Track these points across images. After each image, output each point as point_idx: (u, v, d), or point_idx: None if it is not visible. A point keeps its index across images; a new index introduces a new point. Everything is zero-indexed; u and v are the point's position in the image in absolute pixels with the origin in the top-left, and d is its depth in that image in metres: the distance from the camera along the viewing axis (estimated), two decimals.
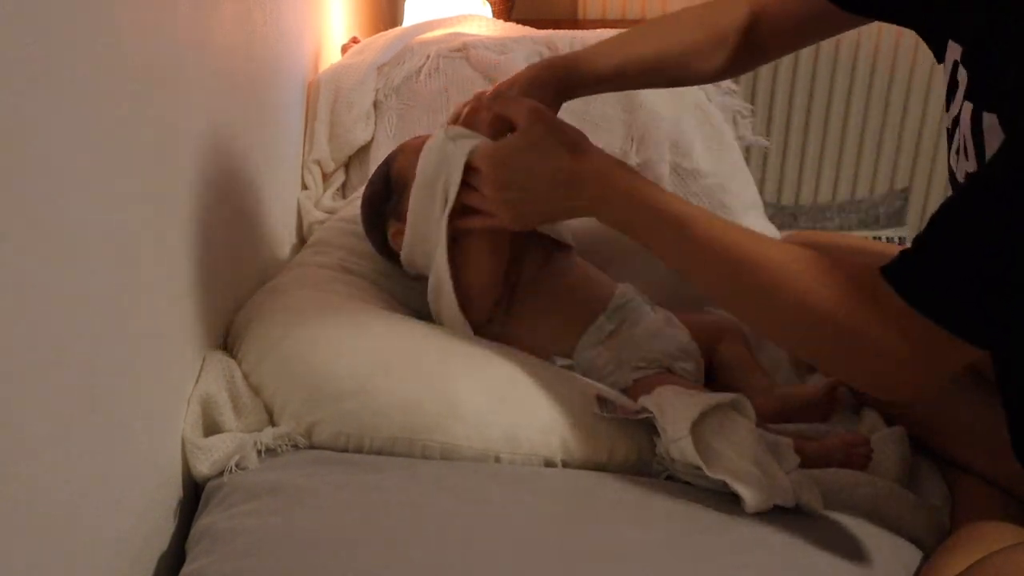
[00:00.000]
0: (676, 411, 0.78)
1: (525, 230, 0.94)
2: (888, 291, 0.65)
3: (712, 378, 0.99)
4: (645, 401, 0.82)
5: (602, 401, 0.82)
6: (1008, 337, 0.64)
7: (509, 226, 0.90)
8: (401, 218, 0.99)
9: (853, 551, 0.72)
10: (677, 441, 0.76)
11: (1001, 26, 0.67)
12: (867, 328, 0.66)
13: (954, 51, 0.74)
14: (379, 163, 1.09)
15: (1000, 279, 0.61)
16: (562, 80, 0.96)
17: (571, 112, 1.36)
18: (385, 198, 1.02)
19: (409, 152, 1.01)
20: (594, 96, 1.38)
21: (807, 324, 0.69)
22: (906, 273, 0.65)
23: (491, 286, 0.95)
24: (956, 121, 0.73)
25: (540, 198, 0.85)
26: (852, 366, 0.71)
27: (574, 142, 0.84)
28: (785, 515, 0.74)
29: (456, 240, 0.93)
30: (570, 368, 0.94)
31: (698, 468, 0.75)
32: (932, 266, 0.65)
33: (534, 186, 0.85)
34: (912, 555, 0.75)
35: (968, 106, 0.70)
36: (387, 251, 1.04)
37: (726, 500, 0.74)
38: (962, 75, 0.72)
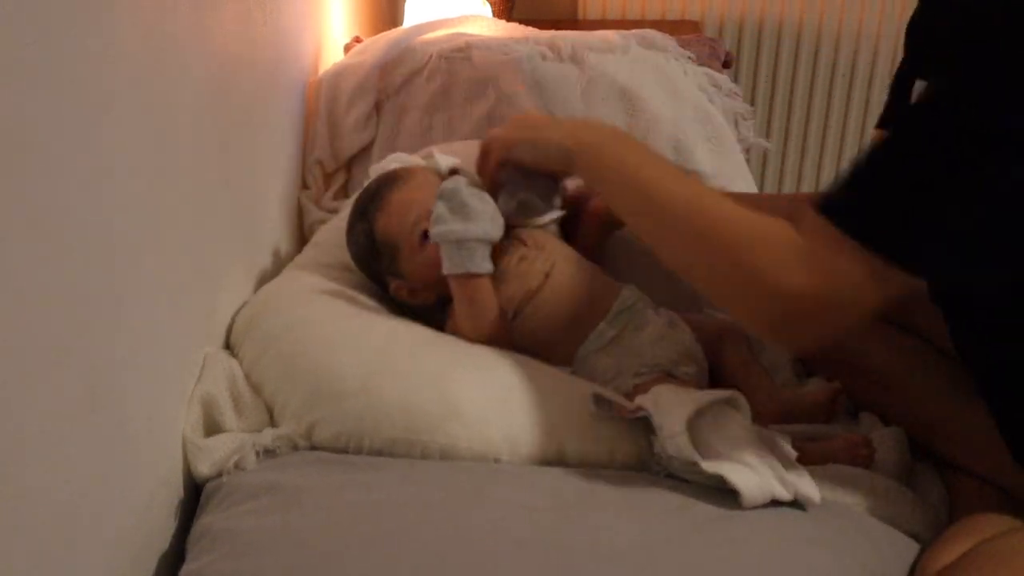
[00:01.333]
0: (672, 408, 0.78)
1: (505, 148, 0.96)
2: (819, 223, 0.68)
3: (716, 381, 0.98)
4: (642, 400, 0.81)
5: (599, 401, 0.82)
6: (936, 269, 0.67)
7: (498, 137, 0.96)
8: (401, 275, 0.98)
9: (851, 546, 0.71)
10: (673, 438, 0.76)
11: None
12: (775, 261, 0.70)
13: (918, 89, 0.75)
14: (368, 180, 1.06)
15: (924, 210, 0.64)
16: None
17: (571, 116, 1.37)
18: (375, 258, 0.99)
19: (392, 213, 0.97)
20: (595, 99, 1.38)
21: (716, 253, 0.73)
22: (840, 205, 0.68)
23: (488, 337, 0.92)
24: None
25: (537, 125, 0.94)
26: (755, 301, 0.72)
27: None
28: (783, 510, 0.74)
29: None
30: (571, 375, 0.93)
31: (695, 464, 0.74)
32: (865, 198, 0.68)
33: (534, 123, 0.94)
34: (911, 550, 0.75)
35: None
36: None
37: (724, 495, 0.74)
38: None
